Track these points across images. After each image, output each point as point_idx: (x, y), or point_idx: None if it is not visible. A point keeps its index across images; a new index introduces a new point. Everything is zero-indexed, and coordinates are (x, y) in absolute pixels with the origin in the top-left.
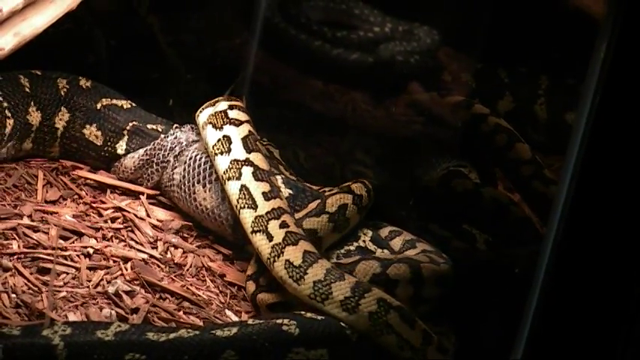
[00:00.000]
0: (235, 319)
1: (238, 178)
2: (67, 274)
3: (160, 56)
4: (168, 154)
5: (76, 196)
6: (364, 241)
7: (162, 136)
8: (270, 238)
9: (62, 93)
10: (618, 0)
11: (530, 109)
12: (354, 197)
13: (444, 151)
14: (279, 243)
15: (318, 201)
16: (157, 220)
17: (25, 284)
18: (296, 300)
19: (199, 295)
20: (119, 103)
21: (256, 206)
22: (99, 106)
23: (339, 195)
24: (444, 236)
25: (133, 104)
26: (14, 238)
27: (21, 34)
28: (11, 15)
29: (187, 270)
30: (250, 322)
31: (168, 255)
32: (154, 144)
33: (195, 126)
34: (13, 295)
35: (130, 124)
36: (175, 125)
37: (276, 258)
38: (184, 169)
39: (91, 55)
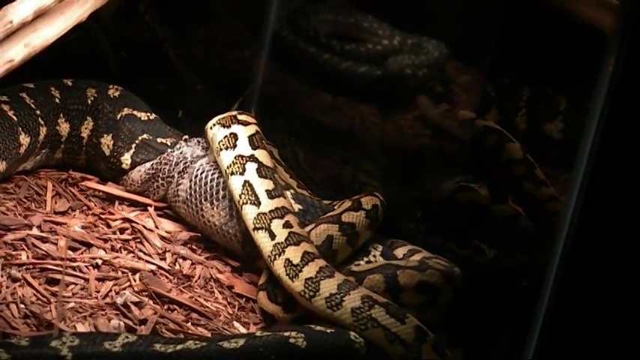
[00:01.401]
0: (243, 330)
1: (242, 174)
2: (76, 284)
3: (169, 68)
4: (173, 169)
5: (84, 207)
6: (374, 256)
7: (169, 150)
8: (272, 236)
9: (89, 102)
10: (628, 14)
11: (512, 120)
12: (366, 212)
13: (453, 166)
14: (282, 242)
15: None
16: (165, 232)
17: (34, 295)
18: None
19: (207, 307)
20: (138, 114)
21: (259, 203)
22: (119, 116)
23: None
24: (452, 250)
25: (153, 116)
26: (23, 249)
27: (31, 45)
28: (21, 26)
29: (195, 281)
30: (258, 334)
31: (177, 266)
32: (160, 158)
33: (201, 140)
34: (22, 306)
35: (141, 138)
36: (184, 138)
37: (277, 256)
38: (190, 187)
39: (100, 65)
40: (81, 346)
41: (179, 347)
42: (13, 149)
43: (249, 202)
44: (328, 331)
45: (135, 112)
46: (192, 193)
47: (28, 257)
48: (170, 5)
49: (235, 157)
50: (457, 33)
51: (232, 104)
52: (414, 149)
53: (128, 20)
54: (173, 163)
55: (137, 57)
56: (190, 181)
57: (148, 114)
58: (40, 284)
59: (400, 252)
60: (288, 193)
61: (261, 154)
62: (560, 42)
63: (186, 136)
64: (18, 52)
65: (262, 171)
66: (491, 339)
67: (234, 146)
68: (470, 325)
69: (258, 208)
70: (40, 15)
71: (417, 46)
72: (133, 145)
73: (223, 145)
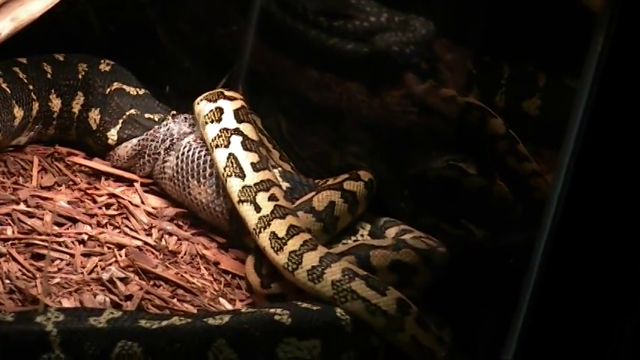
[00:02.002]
0: (229, 307)
1: (227, 146)
2: (62, 260)
3: (157, 43)
4: (160, 145)
5: (70, 183)
6: (362, 235)
7: (157, 126)
8: (257, 209)
9: (80, 77)
10: None
11: (492, 98)
12: (364, 183)
13: (440, 143)
14: (267, 215)
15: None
16: (152, 208)
17: (20, 270)
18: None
19: (193, 283)
20: (128, 88)
21: (244, 176)
22: (108, 90)
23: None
24: (439, 226)
25: (142, 91)
26: (9, 224)
27: (18, 19)
28: (8, 0)
29: (182, 257)
30: (243, 310)
31: (163, 242)
32: (146, 134)
33: (189, 116)
34: (7, 281)
35: (128, 113)
36: (172, 113)
37: (262, 229)
38: (177, 164)
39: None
40: (66, 322)
41: (164, 323)
42: (7, 121)
43: (233, 174)
44: (314, 308)
45: (124, 87)
46: (179, 170)
47: (13, 232)
48: None
49: (220, 130)
50: (445, 11)
51: (220, 81)
52: (401, 127)
53: None
54: (160, 139)
55: (125, 31)
56: (177, 158)
57: (138, 89)
58: (25, 259)
59: (392, 232)
60: (276, 171)
61: (247, 128)
62: (548, 20)
63: (174, 112)
64: (4, 26)
65: (247, 144)
66: (479, 319)
67: (220, 120)
68: (458, 305)
69: (243, 180)
70: None
71: (405, 23)
72: (120, 121)
73: (209, 118)
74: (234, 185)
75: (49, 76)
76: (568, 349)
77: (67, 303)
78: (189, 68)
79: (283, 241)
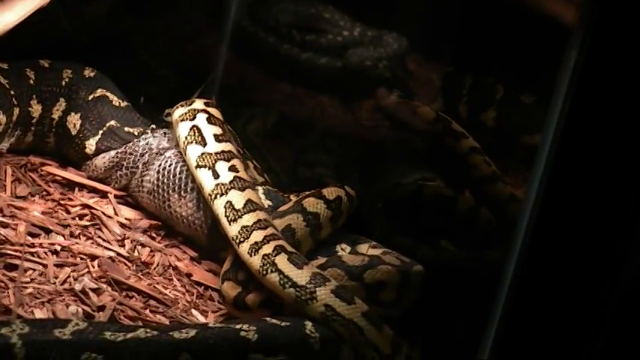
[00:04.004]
0: (202, 318)
1: (192, 120)
2: (34, 270)
3: (130, 55)
4: (139, 159)
5: (44, 193)
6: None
7: (135, 140)
8: (216, 175)
9: (63, 83)
10: (590, 6)
11: (455, 109)
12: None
13: (412, 159)
14: (225, 184)
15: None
16: (125, 219)
17: None
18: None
19: (166, 294)
20: (111, 97)
21: (205, 144)
22: (92, 96)
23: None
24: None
25: (124, 103)
26: None
27: None
28: None
29: (154, 269)
30: (210, 325)
31: (136, 253)
32: (125, 147)
33: (168, 131)
34: None
35: (108, 124)
36: (151, 127)
37: (218, 196)
38: (158, 178)
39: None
40: (31, 334)
41: (129, 336)
42: None
43: (194, 142)
44: (282, 324)
45: (108, 94)
46: (160, 184)
47: None
48: None
49: (188, 110)
50: (418, 26)
51: (193, 93)
52: (373, 141)
53: (91, 5)
54: (139, 153)
55: (98, 42)
56: (158, 172)
57: (121, 100)
58: None
59: (363, 249)
60: (259, 189)
61: (214, 111)
62: (517, 34)
63: (153, 126)
64: None
65: (212, 120)
66: (448, 336)
67: (191, 104)
68: (430, 320)
69: (204, 148)
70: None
71: (377, 38)
72: (100, 132)
73: (181, 105)
74: (193, 152)
75: (31, 81)
76: (541, 355)
77: (39, 313)
78: (163, 80)
79: (239, 213)
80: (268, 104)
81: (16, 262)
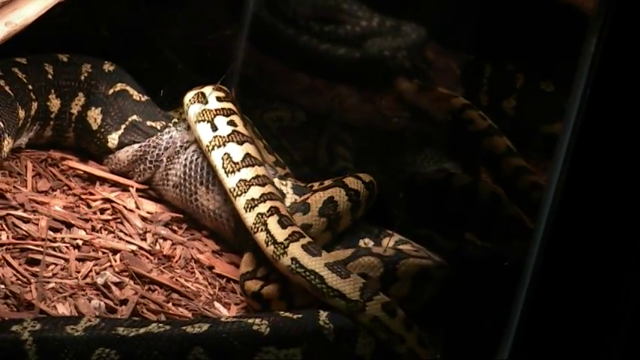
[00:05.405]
0: (224, 311)
1: (205, 103)
2: (56, 265)
3: (150, 47)
4: (163, 153)
5: (65, 187)
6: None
7: (159, 134)
8: (214, 128)
9: (82, 78)
10: None
11: (476, 98)
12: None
13: (430, 148)
14: (224, 137)
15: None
16: (147, 212)
17: (14, 275)
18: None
19: (188, 287)
20: (131, 91)
21: (216, 129)
22: (111, 91)
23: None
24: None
25: (145, 98)
26: (3, 229)
27: (12, 24)
28: (2, 5)
29: (176, 262)
30: (223, 319)
31: (157, 247)
32: (149, 141)
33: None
34: (2, 286)
35: (131, 119)
36: (174, 121)
37: (215, 147)
38: (185, 172)
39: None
40: (42, 331)
41: (142, 331)
42: (15, 125)
43: (205, 120)
44: (295, 317)
45: (128, 88)
46: (187, 177)
47: (8, 237)
48: None
49: (197, 94)
50: (437, 14)
51: (214, 84)
52: (393, 130)
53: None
54: (162, 147)
55: (119, 35)
56: (185, 166)
57: (140, 95)
58: (20, 264)
59: (386, 242)
60: (288, 182)
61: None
62: (537, 22)
63: (176, 120)
64: None
65: (222, 98)
66: (473, 328)
67: (203, 95)
68: (453, 314)
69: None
70: None
71: (396, 28)
72: (122, 126)
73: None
74: (195, 109)
75: (49, 76)
76: (563, 353)
77: (61, 308)
78: (183, 72)
79: (238, 166)
80: (288, 96)
81: (38, 257)
